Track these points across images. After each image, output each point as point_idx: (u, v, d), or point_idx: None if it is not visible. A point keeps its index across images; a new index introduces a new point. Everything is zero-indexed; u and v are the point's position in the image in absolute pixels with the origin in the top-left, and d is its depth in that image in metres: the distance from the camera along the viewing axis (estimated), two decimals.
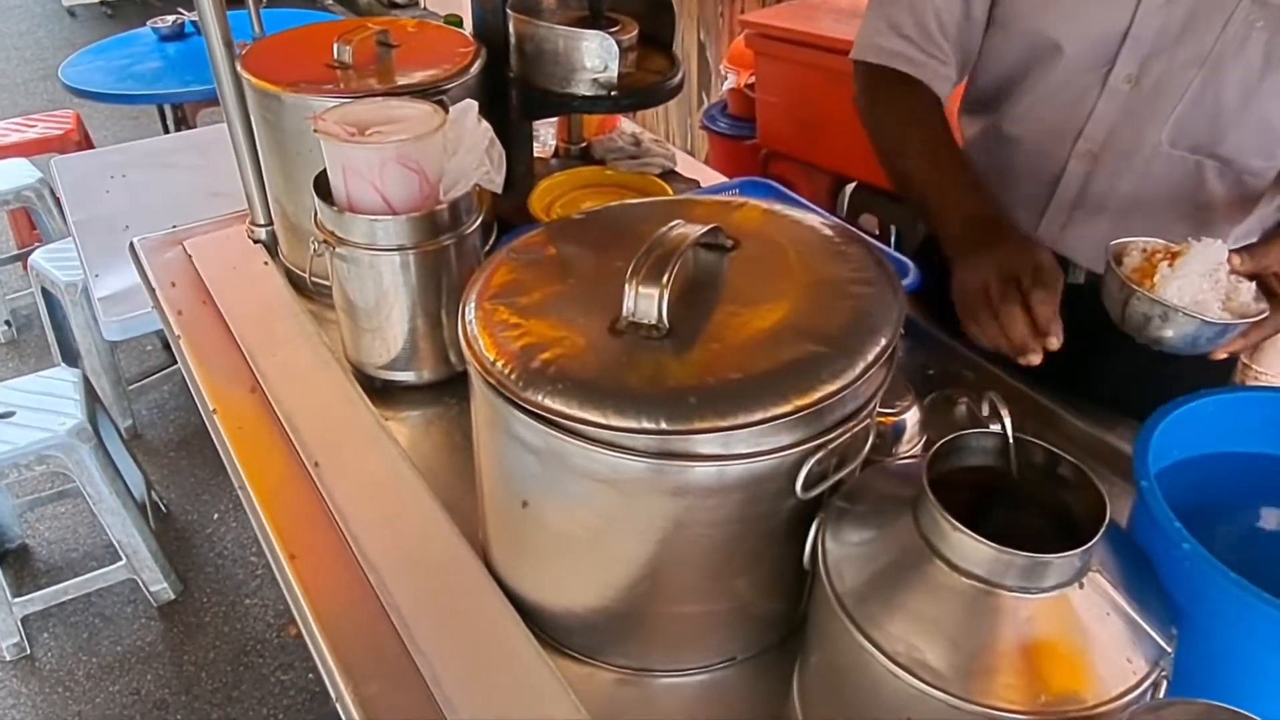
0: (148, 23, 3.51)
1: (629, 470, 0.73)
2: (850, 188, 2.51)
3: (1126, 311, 0.84)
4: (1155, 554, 0.73)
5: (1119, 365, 1.15)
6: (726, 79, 2.77)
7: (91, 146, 3.66)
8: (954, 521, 0.66)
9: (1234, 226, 1.08)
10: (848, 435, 0.76)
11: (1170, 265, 0.83)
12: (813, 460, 0.74)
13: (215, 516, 2.53)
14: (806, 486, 0.74)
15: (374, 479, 1.04)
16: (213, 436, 1.18)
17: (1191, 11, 0.97)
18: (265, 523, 1.02)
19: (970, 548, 0.66)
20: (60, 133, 3.50)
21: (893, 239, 2.50)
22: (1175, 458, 0.83)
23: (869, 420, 0.78)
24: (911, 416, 1.03)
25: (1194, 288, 0.82)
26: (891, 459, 1.01)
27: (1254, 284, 0.82)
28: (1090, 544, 0.64)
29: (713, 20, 3.52)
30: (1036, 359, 0.88)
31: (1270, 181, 1.06)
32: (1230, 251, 0.82)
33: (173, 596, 2.27)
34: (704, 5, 3.55)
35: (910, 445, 1.03)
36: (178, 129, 3.52)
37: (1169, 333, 0.82)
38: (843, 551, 0.74)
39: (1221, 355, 0.84)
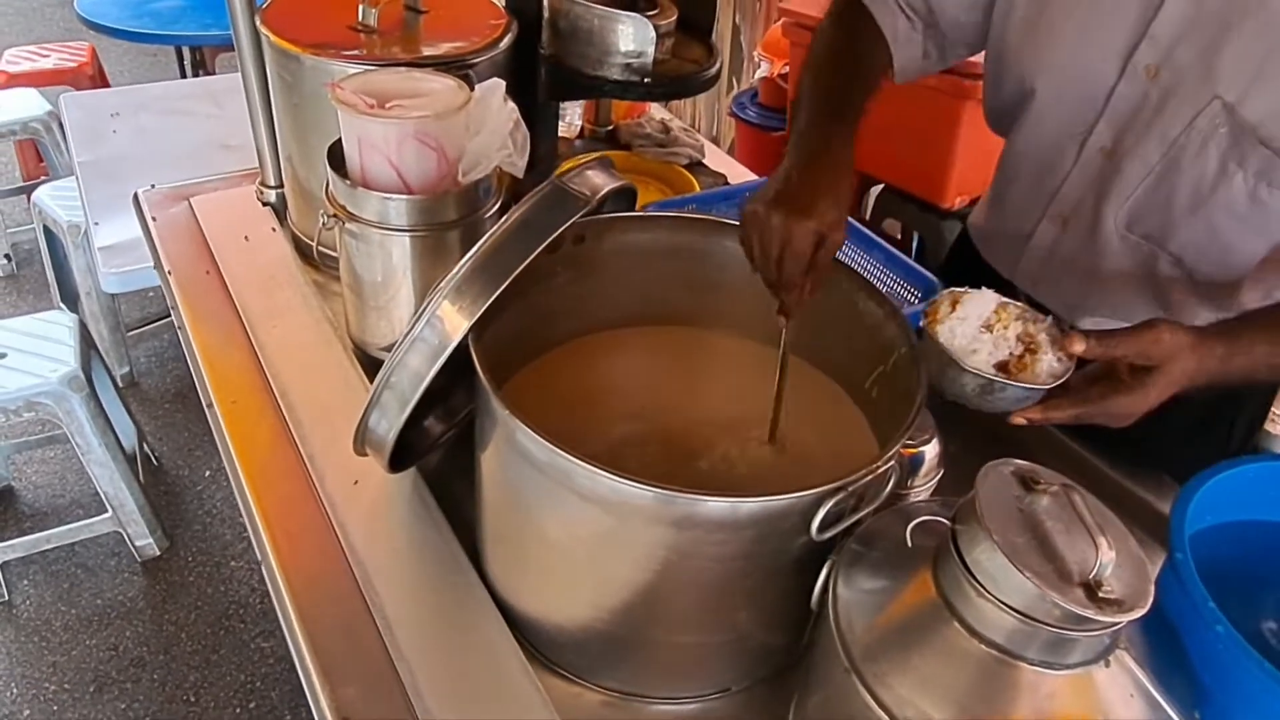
0: None
1: (634, 496, 0.69)
2: (876, 190, 2.46)
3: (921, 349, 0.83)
4: (1183, 627, 0.70)
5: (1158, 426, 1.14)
6: (760, 67, 2.71)
7: (105, 82, 3.59)
8: (979, 585, 0.62)
9: (1201, 316, 1.04)
10: (870, 476, 0.72)
11: (952, 309, 0.82)
12: (831, 502, 0.70)
13: (207, 474, 2.49)
14: (823, 528, 0.70)
15: (368, 468, 1.00)
16: (204, 408, 1.14)
17: (1168, 93, 0.93)
18: (253, 506, 0.99)
19: (992, 614, 0.62)
20: (74, 65, 3.43)
21: (914, 246, 2.45)
22: (1209, 522, 0.79)
23: (892, 462, 0.74)
24: (930, 449, 0.98)
25: (967, 334, 0.80)
26: (907, 493, 0.97)
27: (1060, 358, 0.79)
28: (1123, 624, 0.60)
29: (749, 4, 3.44)
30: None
31: (1237, 287, 1.01)
32: (1078, 332, 0.79)
33: (157, 552, 2.23)
34: None
35: (927, 479, 0.99)
36: (195, 73, 3.45)
37: (938, 374, 0.81)
38: (854, 598, 0.70)
39: (1019, 420, 0.80)
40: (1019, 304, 0.84)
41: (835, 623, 0.69)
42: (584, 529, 0.75)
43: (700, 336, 1.02)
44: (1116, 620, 0.59)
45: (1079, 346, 0.78)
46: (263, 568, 0.95)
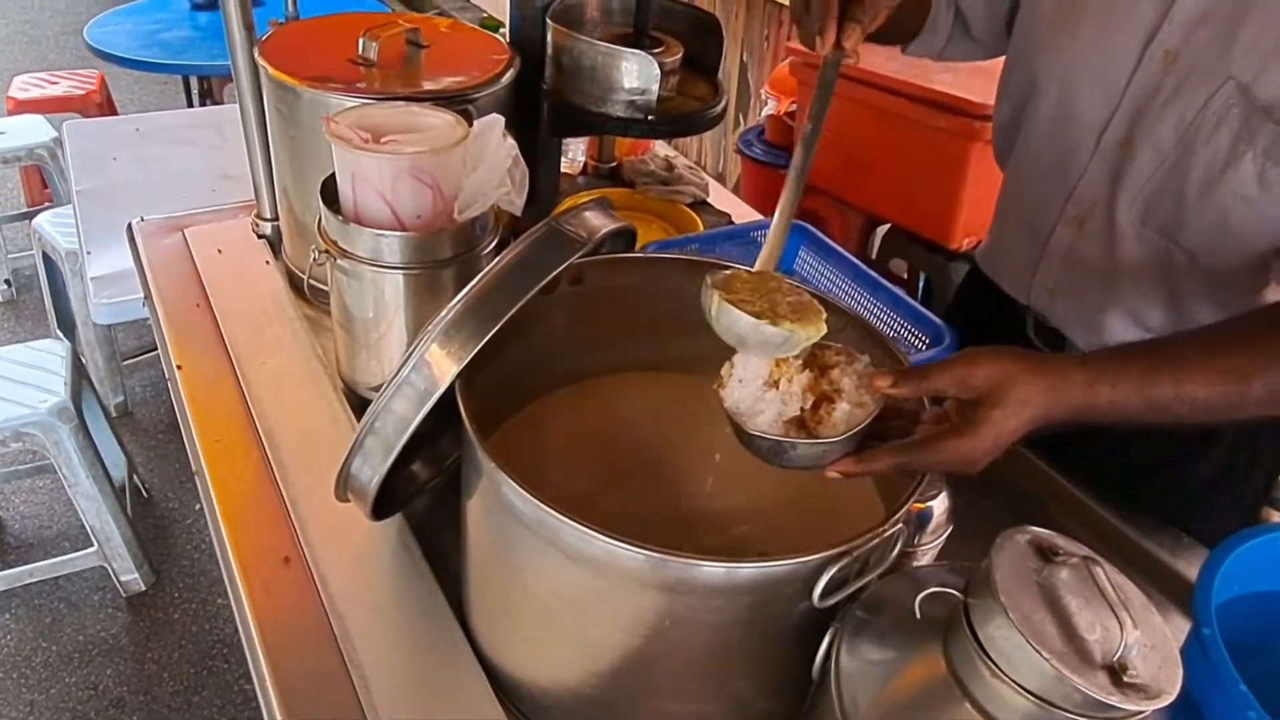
0: None
1: (626, 558, 0.65)
2: (883, 230, 2.43)
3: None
4: (1209, 709, 0.65)
5: (1173, 480, 1.09)
6: (767, 104, 2.70)
7: (114, 110, 3.60)
8: (993, 664, 0.58)
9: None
10: (876, 540, 0.68)
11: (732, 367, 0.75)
12: (835, 567, 0.65)
13: (198, 507, 2.45)
14: (825, 594, 0.66)
15: (351, 514, 0.96)
16: (185, 444, 1.10)
17: (1185, 77, 0.93)
18: (229, 550, 0.95)
19: (1008, 696, 0.58)
20: (82, 93, 3.44)
21: (920, 287, 2.42)
22: (1235, 592, 0.75)
23: (900, 525, 0.70)
24: (939, 505, 0.94)
25: (750, 394, 0.73)
26: (914, 550, 0.93)
27: (863, 404, 0.71)
28: (1149, 711, 0.56)
29: (757, 42, 3.45)
30: (821, 46, 0.88)
31: (1250, 291, 0.98)
32: (885, 371, 0.72)
33: (143, 588, 2.18)
34: (749, 26, 3.48)
35: (935, 536, 0.94)
36: (202, 103, 3.46)
37: (737, 435, 0.73)
38: (858, 669, 0.66)
39: (833, 475, 0.71)
40: (828, 347, 0.76)
41: (838, 696, 0.64)
42: (572, 590, 0.71)
43: (703, 385, 0.97)
44: (1142, 708, 0.54)
45: (883, 382, 0.70)
46: (236, 617, 0.91)
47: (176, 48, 3.15)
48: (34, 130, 3.02)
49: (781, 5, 3.27)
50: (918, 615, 0.64)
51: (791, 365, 0.73)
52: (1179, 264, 1.00)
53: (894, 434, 0.73)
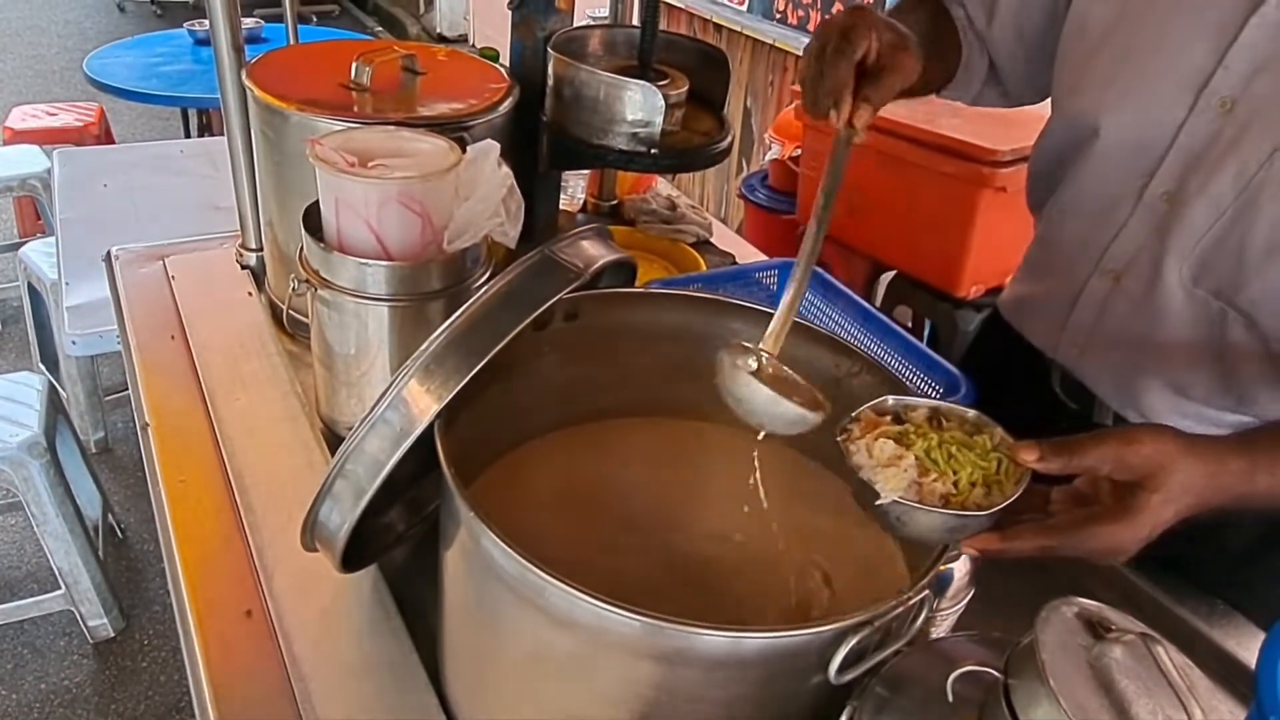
0: (184, 24, 3.44)
1: (617, 623, 0.57)
2: (888, 277, 2.38)
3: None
4: None
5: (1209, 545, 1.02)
6: (770, 149, 2.67)
7: (111, 142, 3.58)
8: None
9: (1272, 397, 0.93)
10: (900, 609, 0.61)
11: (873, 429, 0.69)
12: (855, 639, 0.58)
13: None
14: (843, 668, 0.59)
15: (323, 565, 0.89)
16: (148, 482, 1.03)
17: (1245, 126, 0.86)
18: (186, 602, 0.87)
19: None
20: (81, 125, 3.42)
21: (926, 334, 2.36)
22: None
23: (926, 592, 0.63)
24: (960, 566, 0.87)
25: (887, 450, 0.67)
26: (933, 615, 0.85)
27: (994, 480, 0.66)
28: None
29: (761, 87, 3.44)
30: (837, 121, 0.82)
31: None
32: (1032, 443, 0.66)
33: (111, 634, 2.09)
34: (754, 71, 3.48)
35: (955, 600, 0.87)
36: (200, 136, 3.43)
37: (860, 495, 0.67)
38: None
39: (970, 552, 0.68)
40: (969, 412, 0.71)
41: None
42: (557, 658, 0.64)
43: (706, 431, 0.91)
44: None
45: (1029, 455, 0.65)
46: (189, 674, 0.83)
47: (175, 80, 3.13)
48: (27, 160, 2.98)
49: (786, 52, 3.27)
50: (949, 696, 0.57)
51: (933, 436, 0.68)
52: (1233, 328, 0.93)
53: (1023, 508, 0.66)
